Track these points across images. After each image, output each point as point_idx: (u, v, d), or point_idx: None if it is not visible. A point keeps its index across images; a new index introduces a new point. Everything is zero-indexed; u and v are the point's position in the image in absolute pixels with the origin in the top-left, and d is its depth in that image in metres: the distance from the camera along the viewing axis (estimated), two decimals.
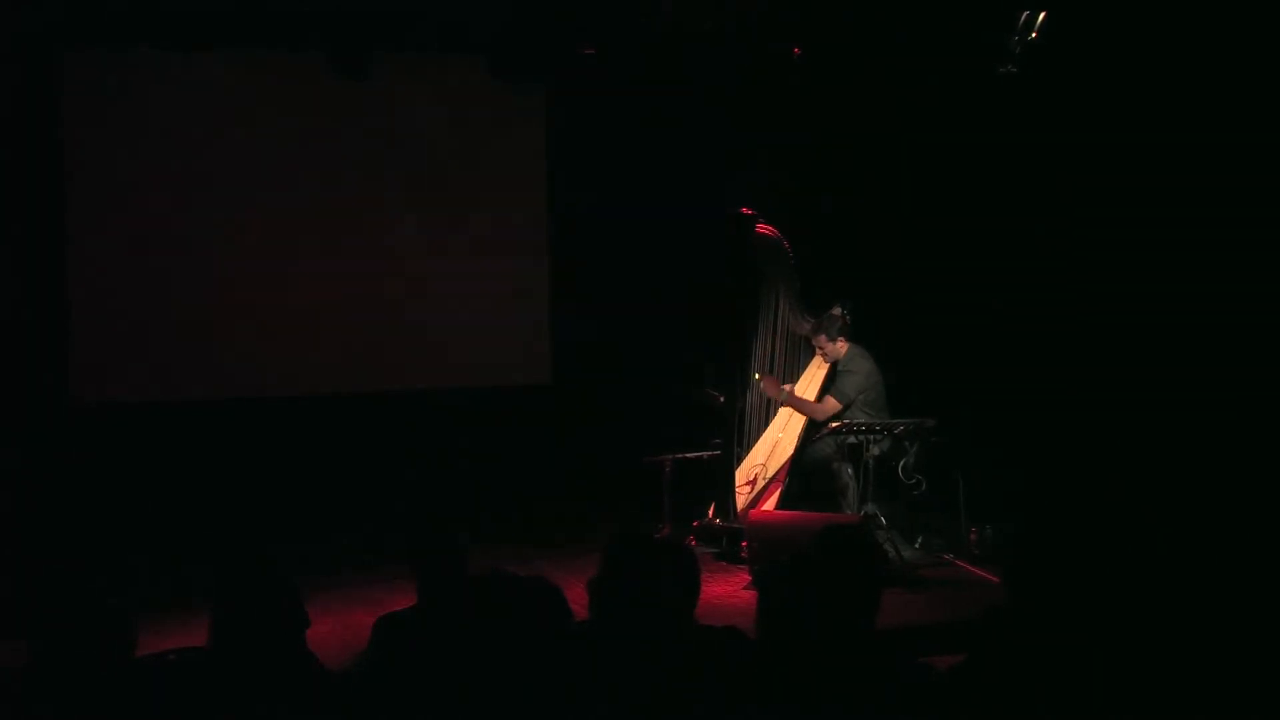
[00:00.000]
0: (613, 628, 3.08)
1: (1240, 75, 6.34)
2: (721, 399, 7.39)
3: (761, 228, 7.36)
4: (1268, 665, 3.15)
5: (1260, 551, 5.58)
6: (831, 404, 7.24)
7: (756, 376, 7.44)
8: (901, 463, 6.94)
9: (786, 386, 7.47)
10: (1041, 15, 6.67)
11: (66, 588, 3.86)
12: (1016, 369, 7.61)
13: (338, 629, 5.59)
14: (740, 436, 7.48)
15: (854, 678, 2.81)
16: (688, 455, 7.50)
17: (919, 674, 2.90)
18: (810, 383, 7.49)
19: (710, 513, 7.35)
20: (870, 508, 6.85)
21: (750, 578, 6.59)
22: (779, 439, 7.44)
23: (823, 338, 7.36)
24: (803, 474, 7.32)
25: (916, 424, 6.96)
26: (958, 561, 6.95)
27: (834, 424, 7.13)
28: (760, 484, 7.32)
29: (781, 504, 7.16)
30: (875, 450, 6.93)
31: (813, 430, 7.31)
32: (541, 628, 2.75)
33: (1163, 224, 6.75)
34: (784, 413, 7.52)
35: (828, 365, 7.45)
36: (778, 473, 7.31)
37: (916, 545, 7.14)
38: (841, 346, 7.35)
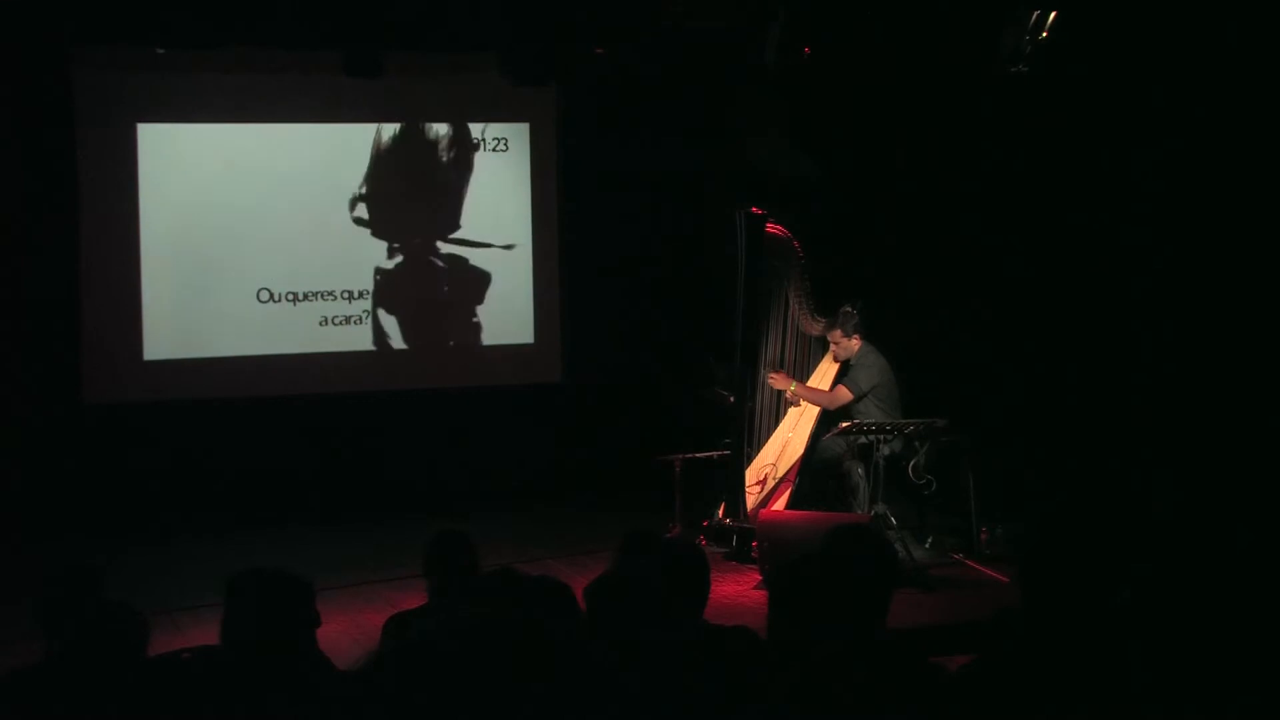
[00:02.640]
0: (622, 627, 3.08)
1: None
2: (731, 399, 7.38)
3: (771, 227, 7.35)
4: (1275, 665, 3.14)
5: (1269, 551, 5.57)
6: (843, 393, 7.21)
7: (765, 374, 7.43)
8: (912, 462, 6.93)
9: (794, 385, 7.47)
10: (1053, 14, 6.65)
11: (80, 587, 3.86)
12: (1028, 368, 7.59)
13: (348, 628, 5.61)
14: (750, 436, 7.47)
15: (864, 678, 2.81)
16: (698, 455, 7.49)
17: (929, 674, 2.90)
18: (821, 380, 7.47)
19: (720, 512, 7.34)
20: (881, 507, 6.83)
21: (760, 577, 6.58)
22: (789, 438, 7.43)
23: (838, 332, 7.33)
24: (813, 473, 7.30)
25: (927, 424, 6.94)
26: (968, 561, 6.94)
27: (844, 424, 7.12)
28: (770, 483, 7.31)
29: (792, 504, 7.14)
30: (886, 450, 6.91)
31: (823, 430, 7.30)
32: (551, 627, 2.75)
33: (1167, 224, 6.73)
34: (794, 412, 7.51)
35: (838, 364, 7.44)
36: (788, 472, 7.29)
37: (927, 545, 7.13)
38: (855, 343, 7.32)
